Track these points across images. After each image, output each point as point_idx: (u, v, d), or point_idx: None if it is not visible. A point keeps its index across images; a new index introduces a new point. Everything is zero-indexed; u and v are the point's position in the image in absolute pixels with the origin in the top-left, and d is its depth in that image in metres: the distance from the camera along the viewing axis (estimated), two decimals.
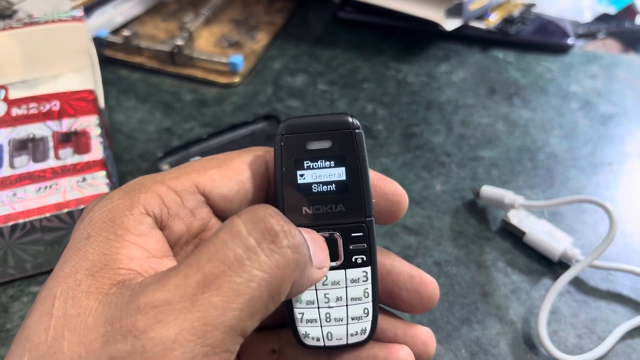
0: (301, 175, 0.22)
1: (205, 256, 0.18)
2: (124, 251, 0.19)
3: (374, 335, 0.23)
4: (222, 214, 0.23)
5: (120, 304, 0.17)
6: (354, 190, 0.22)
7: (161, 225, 0.21)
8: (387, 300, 0.24)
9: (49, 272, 0.37)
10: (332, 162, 0.22)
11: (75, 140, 0.38)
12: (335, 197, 0.22)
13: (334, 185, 0.22)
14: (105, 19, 0.57)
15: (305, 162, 0.22)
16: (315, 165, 0.22)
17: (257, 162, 0.23)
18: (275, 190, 0.22)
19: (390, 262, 0.24)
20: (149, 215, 0.20)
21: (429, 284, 0.24)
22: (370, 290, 0.23)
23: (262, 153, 0.23)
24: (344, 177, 0.22)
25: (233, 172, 0.22)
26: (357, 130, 0.22)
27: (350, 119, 0.23)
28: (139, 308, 0.17)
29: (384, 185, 0.24)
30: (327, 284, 0.23)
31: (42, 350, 0.17)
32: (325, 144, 0.22)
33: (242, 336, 0.18)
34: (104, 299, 0.17)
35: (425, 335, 0.24)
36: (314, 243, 0.21)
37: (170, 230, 0.21)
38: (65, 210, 0.34)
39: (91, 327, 0.17)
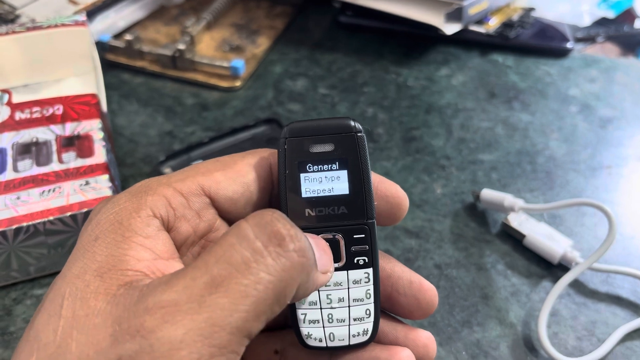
0: (304, 178, 0.23)
1: (212, 258, 0.18)
2: (132, 252, 0.19)
3: (375, 337, 0.24)
4: (227, 216, 0.23)
5: (128, 305, 0.17)
6: (356, 192, 0.23)
7: (168, 227, 0.21)
8: (386, 305, 0.25)
9: (52, 275, 0.37)
10: (335, 165, 0.23)
11: (78, 144, 0.39)
12: (337, 199, 0.23)
13: (336, 188, 0.23)
14: (107, 24, 0.57)
15: (308, 165, 0.23)
16: (318, 168, 0.23)
17: (261, 164, 0.23)
18: (279, 192, 0.23)
19: (391, 266, 0.24)
20: (156, 217, 0.20)
21: (427, 290, 0.24)
22: (372, 292, 0.23)
23: (267, 155, 0.24)
24: (346, 180, 0.23)
25: (238, 175, 0.23)
26: (359, 134, 0.23)
27: (352, 123, 0.23)
28: (147, 308, 0.17)
29: (384, 188, 0.24)
30: (329, 285, 0.23)
31: (51, 350, 0.17)
32: (327, 147, 0.23)
33: (248, 338, 0.18)
34: (112, 299, 0.18)
35: (425, 338, 0.24)
36: (319, 247, 0.21)
37: (177, 232, 0.21)
38: (69, 214, 0.34)
39: (99, 327, 0.17)
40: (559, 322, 0.35)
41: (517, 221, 0.39)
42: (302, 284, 0.19)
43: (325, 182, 0.23)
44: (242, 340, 0.18)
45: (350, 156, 0.23)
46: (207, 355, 0.17)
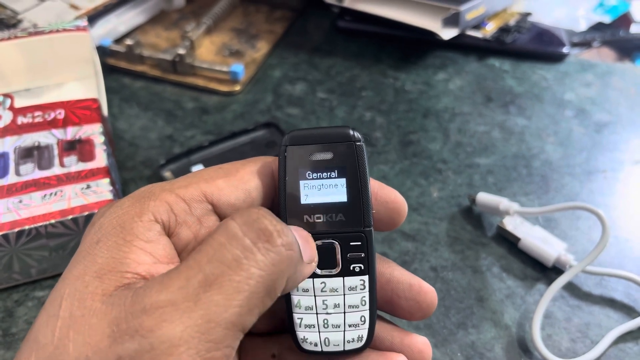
0: (304, 185, 0.23)
1: (204, 258, 0.19)
2: (132, 256, 0.20)
3: (371, 343, 0.24)
4: None
5: (124, 305, 0.18)
6: (354, 200, 0.23)
7: (169, 232, 0.21)
8: (386, 308, 0.25)
9: (53, 277, 0.38)
10: (334, 173, 0.23)
11: (79, 148, 0.39)
12: (335, 206, 0.23)
13: (334, 196, 0.23)
14: (108, 28, 0.58)
15: (307, 173, 0.23)
16: (317, 175, 0.23)
17: (263, 171, 0.24)
18: (279, 198, 0.23)
19: (390, 270, 0.25)
20: (157, 222, 0.21)
21: (427, 292, 0.25)
22: (367, 299, 0.23)
23: (269, 162, 0.24)
24: (344, 188, 0.23)
25: (240, 182, 0.23)
26: (357, 143, 0.23)
27: (351, 132, 0.24)
28: (144, 309, 0.18)
29: (384, 194, 0.24)
30: (325, 291, 0.23)
31: (49, 351, 0.18)
32: (327, 156, 0.23)
33: (242, 332, 0.19)
34: (107, 300, 0.18)
35: (421, 344, 0.25)
36: (302, 239, 0.22)
37: (177, 237, 0.22)
38: (70, 217, 0.35)
39: (96, 328, 0.18)
40: (552, 324, 0.35)
41: (513, 224, 0.40)
42: (290, 277, 0.20)
43: (324, 190, 0.23)
44: (237, 334, 0.18)
45: (348, 165, 0.23)
46: (204, 351, 0.17)
